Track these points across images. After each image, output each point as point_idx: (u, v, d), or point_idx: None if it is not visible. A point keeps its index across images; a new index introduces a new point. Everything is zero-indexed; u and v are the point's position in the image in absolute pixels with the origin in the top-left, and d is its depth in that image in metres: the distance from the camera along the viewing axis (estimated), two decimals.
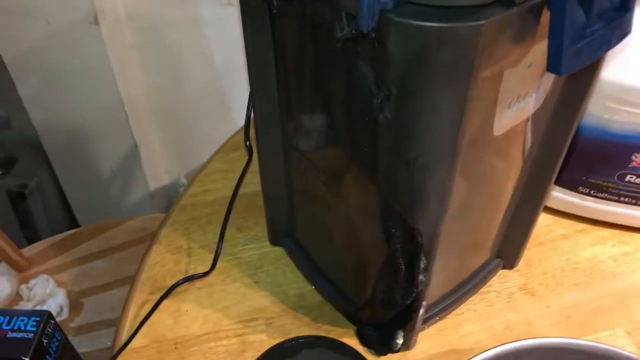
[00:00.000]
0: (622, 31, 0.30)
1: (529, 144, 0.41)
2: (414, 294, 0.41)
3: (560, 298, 0.52)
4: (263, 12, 0.37)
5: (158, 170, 1.13)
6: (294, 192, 0.49)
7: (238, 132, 0.70)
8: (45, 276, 0.84)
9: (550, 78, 0.36)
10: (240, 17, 0.39)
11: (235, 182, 0.61)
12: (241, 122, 1.04)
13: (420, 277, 0.40)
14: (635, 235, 0.56)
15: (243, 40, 0.39)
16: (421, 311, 0.44)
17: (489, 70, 0.29)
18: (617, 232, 0.56)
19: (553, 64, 0.28)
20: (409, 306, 0.43)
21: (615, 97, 0.46)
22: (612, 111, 0.47)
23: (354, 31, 0.28)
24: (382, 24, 0.27)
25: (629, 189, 0.51)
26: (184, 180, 1.18)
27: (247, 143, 0.50)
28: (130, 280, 0.54)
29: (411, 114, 0.30)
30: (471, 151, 0.34)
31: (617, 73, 0.45)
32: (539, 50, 0.31)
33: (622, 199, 0.53)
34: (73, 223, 1.14)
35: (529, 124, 0.38)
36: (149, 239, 0.91)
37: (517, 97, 0.34)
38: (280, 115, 0.44)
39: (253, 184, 0.58)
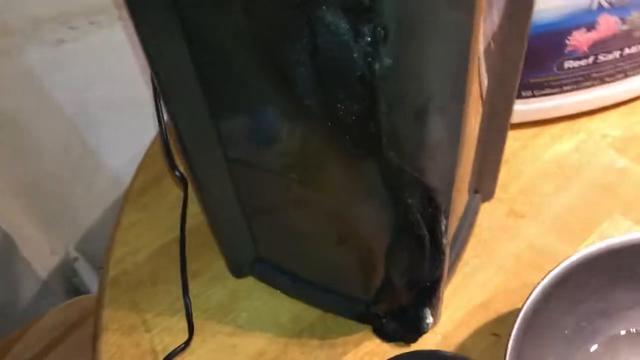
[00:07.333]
0: None
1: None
2: (442, 262, 0.36)
3: (549, 208, 0.49)
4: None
5: (43, 255, 0.98)
6: (251, 210, 0.42)
7: (135, 177, 0.59)
8: None
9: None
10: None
11: (163, 227, 0.52)
12: (115, 165, 0.93)
13: (443, 240, 0.35)
14: (583, 120, 0.55)
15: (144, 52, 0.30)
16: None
17: None
18: (566, 124, 0.55)
19: None
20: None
21: None
22: (539, 2, 0.44)
23: None
24: None
25: (569, 75, 0.50)
26: (74, 254, 1.04)
27: (177, 173, 0.41)
28: None
29: (419, 50, 0.24)
30: None
31: None
32: None
33: (564, 88, 0.51)
34: None
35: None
36: (74, 329, 0.78)
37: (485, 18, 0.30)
38: (216, 129, 0.36)
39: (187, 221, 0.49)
